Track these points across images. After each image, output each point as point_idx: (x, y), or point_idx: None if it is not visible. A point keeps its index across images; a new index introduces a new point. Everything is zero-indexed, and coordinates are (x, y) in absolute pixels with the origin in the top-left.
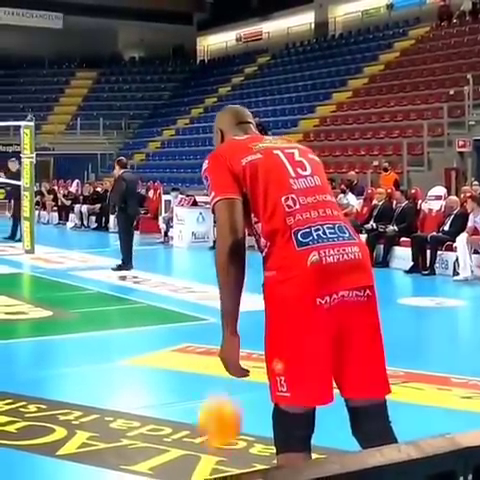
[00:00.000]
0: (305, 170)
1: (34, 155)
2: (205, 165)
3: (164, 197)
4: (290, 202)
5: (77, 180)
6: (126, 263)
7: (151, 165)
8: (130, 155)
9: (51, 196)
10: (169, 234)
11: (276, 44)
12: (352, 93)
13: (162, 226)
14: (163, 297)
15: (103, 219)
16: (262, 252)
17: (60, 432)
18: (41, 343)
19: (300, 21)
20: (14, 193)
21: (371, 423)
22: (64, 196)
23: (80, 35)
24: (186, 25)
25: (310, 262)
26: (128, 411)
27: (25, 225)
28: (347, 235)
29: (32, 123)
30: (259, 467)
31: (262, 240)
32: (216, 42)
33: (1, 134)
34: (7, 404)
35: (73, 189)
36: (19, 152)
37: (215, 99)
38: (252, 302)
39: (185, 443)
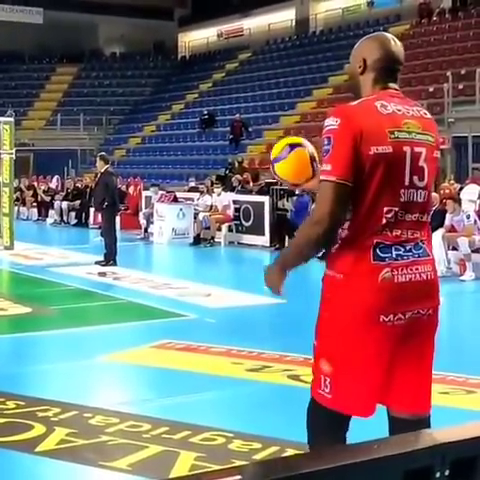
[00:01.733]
0: (421, 180)
1: (14, 151)
2: (333, 123)
3: (144, 193)
4: (391, 215)
5: (57, 176)
6: (111, 258)
7: (132, 161)
8: (110, 151)
9: (31, 192)
10: (149, 230)
11: (257, 40)
12: (333, 89)
13: (142, 222)
14: (143, 293)
15: (83, 215)
16: (333, 245)
17: (39, 429)
18: (20, 339)
19: (281, 18)
20: None
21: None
22: (44, 192)
23: (61, 30)
24: (167, 21)
25: (382, 278)
26: (107, 407)
27: (4, 221)
28: (422, 251)
29: (12, 119)
30: (238, 463)
31: (342, 233)
32: (197, 38)
33: None
34: None
35: (53, 185)
36: None
37: (196, 95)
38: (237, 298)
39: (164, 439)
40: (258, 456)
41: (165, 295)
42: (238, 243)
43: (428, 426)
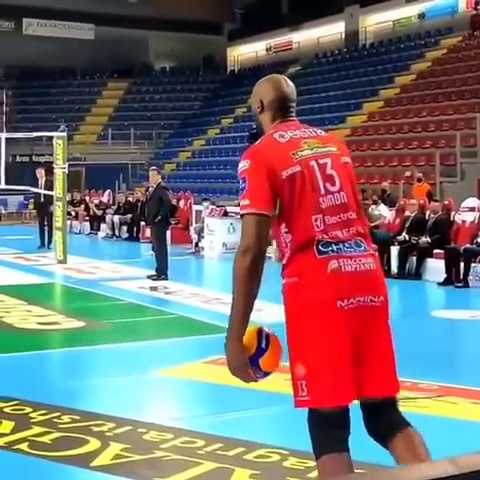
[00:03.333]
0: (334, 185)
1: (66, 165)
2: (244, 165)
3: (195, 207)
4: (318, 222)
5: (109, 190)
6: (162, 273)
7: (181, 175)
8: (161, 165)
9: (83, 206)
10: (200, 244)
11: (306, 54)
12: (383, 103)
13: (193, 236)
14: (194, 308)
15: (134, 229)
16: (282, 260)
17: (94, 443)
18: (74, 354)
19: (330, 31)
20: (43, 203)
21: (384, 418)
22: (96, 206)
23: (111, 46)
24: (216, 35)
25: (330, 269)
26: (161, 423)
27: (57, 235)
28: (362, 248)
29: (65, 134)
30: None
31: (287, 249)
32: (246, 52)
33: (34, 144)
34: (41, 415)
35: (105, 199)
36: (52, 162)
37: (245, 109)
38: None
39: (218, 456)
40: (313, 474)
41: (217, 310)
42: None
43: (397, 408)
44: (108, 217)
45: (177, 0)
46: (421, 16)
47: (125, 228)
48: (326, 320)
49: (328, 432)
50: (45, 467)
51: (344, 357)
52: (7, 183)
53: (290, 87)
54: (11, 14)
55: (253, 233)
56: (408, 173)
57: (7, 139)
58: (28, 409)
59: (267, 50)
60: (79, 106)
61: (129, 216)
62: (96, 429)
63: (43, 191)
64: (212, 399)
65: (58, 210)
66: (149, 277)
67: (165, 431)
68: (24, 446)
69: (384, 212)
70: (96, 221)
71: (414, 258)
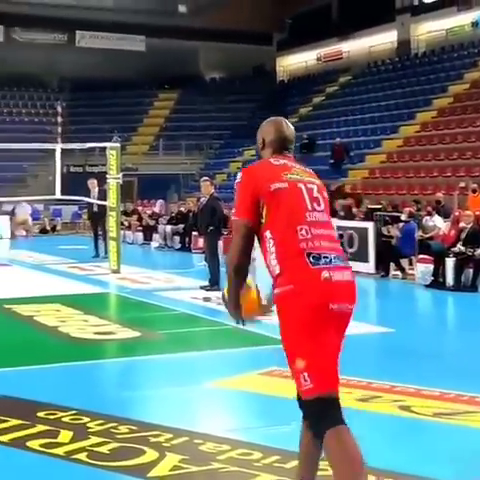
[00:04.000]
0: (319, 205)
1: (120, 175)
2: (238, 178)
3: None
4: (304, 232)
5: (161, 200)
6: (215, 283)
7: (232, 185)
8: (212, 175)
9: (136, 216)
10: (252, 255)
11: (357, 63)
12: (437, 112)
13: None
14: None
15: (187, 239)
16: (269, 267)
17: (151, 454)
18: (130, 364)
19: (382, 40)
20: (96, 213)
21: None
22: (148, 216)
23: (162, 57)
24: (266, 45)
25: (323, 278)
26: (216, 434)
27: (111, 245)
28: (342, 262)
29: (118, 144)
30: None
31: (273, 258)
32: (296, 62)
33: (88, 155)
34: (99, 424)
35: (157, 209)
36: (105, 173)
37: (296, 119)
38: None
39: (275, 468)
40: None
41: (270, 322)
42: None
43: None
44: (160, 227)
45: (227, 11)
46: (474, 24)
47: (177, 238)
48: (321, 320)
49: (328, 413)
50: (104, 477)
51: (336, 350)
52: (62, 193)
53: (290, 130)
54: (64, 27)
55: (239, 238)
56: (462, 184)
57: (62, 150)
58: (86, 419)
59: (317, 60)
60: (131, 117)
61: (181, 226)
62: (153, 440)
63: (96, 201)
64: (266, 411)
65: (112, 220)
66: (202, 288)
67: (221, 442)
68: (83, 456)
69: (439, 223)
70: (149, 231)
71: (471, 270)
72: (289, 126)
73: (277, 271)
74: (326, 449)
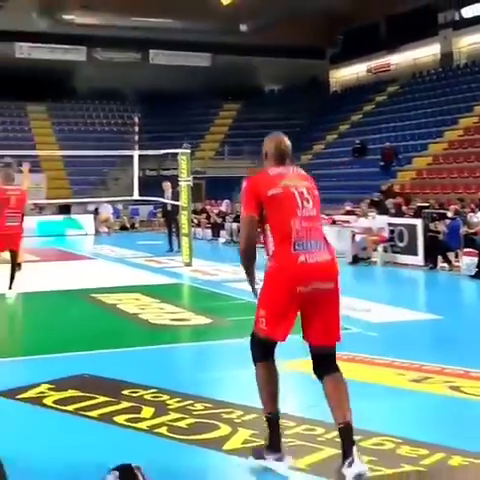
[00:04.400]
0: (309, 203)
1: (191, 178)
2: (244, 185)
3: None
4: (295, 224)
5: (227, 200)
6: None
7: None
8: None
9: (204, 215)
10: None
11: (404, 74)
12: (478, 118)
13: None
14: None
15: None
16: (268, 251)
17: (225, 429)
18: (203, 347)
19: (426, 52)
20: (170, 211)
21: (322, 361)
22: (216, 214)
23: (226, 71)
24: (319, 59)
25: (299, 261)
26: (283, 412)
27: (184, 241)
28: (319, 246)
29: (188, 150)
30: (407, 468)
31: (271, 244)
32: (347, 74)
33: (161, 160)
34: (177, 402)
35: (223, 208)
36: (177, 176)
37: (348, 126)
38: (396, 313)
39: (337, 443)
40: (426, 462)
41: None
42: (393, 263)
43: (334, 353)
44: (227, 224)
45: (284, 29)
46: None
47: None
48: (285, 291)
49: (264, 350)
50: (183, 449)
51: (289, 314)
52: (139, 195)
53: (287, 146)
54: (139, 46)
55: (247, 229)
56: None
57: (138, 156)
58: (165, 396)
59: (367, 71)
60: (199, 126)
61: None
62: (226, 416)
63: (170, 201)
64: None
65: (184, 218)
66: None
67: (288, 419)
68: (163, 430)
69: None
70: (216, 228)
71: None
72: (286, 142)
73: (271, 253)
74: (257, 374)
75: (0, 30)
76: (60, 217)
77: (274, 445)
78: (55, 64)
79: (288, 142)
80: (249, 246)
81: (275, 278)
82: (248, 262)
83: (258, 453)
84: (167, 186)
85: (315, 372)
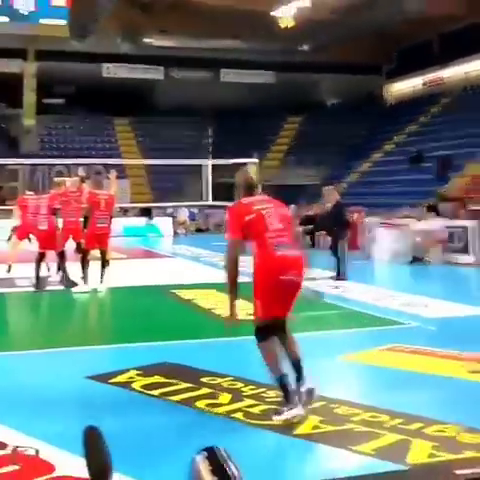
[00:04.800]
0: (276, 219)
1: (260, 186)
2: (228, 214)
3: (366, 220)
4: (270, 235)
5: (292, 206)
6: (342, 274)
7: (352, 193)
8: (334, 185)
9: None
10: (371, 251)
11: (456, 87)
12: None
13: (364, 245)
14: (369, 304)
15: (315, 238)
16: (253, 254)
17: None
18: None
19: (476, 67)
20: None
21: (285, 328)
22: None
23: (289, 87)
24: (376, 75)
25: (277, 255)
26: (349, 399)
27: None
28: (290, 248)
29: (256, 160)
30: (468, 454)
31: (256, 251)
32: (402, 88)
33: (232, 169)
34: (251, 389)
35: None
36: None
37: (405, 136)
38: (453, 309)
39: (400, 429)
40: None
41: (388, 306)
42: (450, 262)
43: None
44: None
45: (342, 47)
46: None
47: (308, 237)
48: (274, 281)
49: (265, 333)
50: (257, 433)
51: (279, 296)
52: (212, 200)
53: (253, 178)
54: (211, 66)
55: (232, 250)
56: None
57: (212, 165)
58: (240, 384)
59: (423, 85)
60: (265, 137)
61: (310, 227)
62: None
63: None
64: (390, 381)
65: None
66: (331, 278)
67: (353, 407)
68: (239, 415)
69: None
70: None
71: None
72: (252, 175)
73: (257, 257)
74: (261, 351)
75: (90, 52)
76: (142, 222)
77: (288, 400)
78: (137, 82)
79: (254, 176)
80: (233, 263)
81: (263, 272)
82: (232, 278)
83: (278, 413)
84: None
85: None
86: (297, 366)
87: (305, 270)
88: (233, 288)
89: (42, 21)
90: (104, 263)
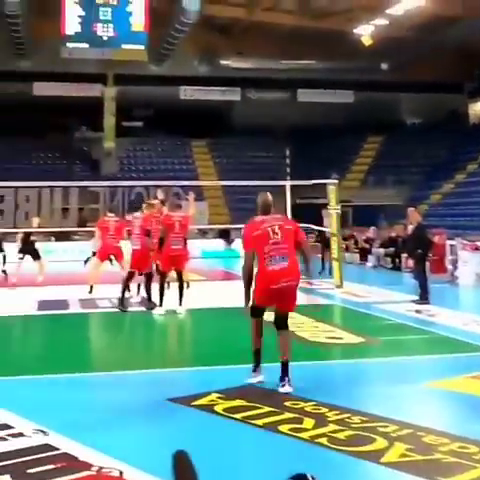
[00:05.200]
0: (277, 235)
1: (339, 207)
2: (242, 229)
3: (448, 242)
4: (267, 249)
5: (373, 227)
6: (424, 298)
7: (434, 214)
8: (415, 206)
9: (352, 240)
10: (455, 274)
11: None
12: None
13: (449, 267)
14: (455, 329)
15: (397, 260)
16: (257, 267)
17: (381, 442)
18: (356, 365)
19: None
20: (322, 238)
21: (281, 322)
22: (363, 240)
23: (368, 106)
24: (458, 93)
25: (269, 269)
26: (435, 428)
27: (335, 265)
28: (285, 259)
29: (336, 181)
30: None
31: (259, 263)
32: None
33: (311, 190)
34: (335, 414)
35: (370, 234)
36: (325, 204)
37: None
38: None
39: None
40: None
41: (475, 331)
42: None
43: (287, 317)
44: (374, 250)
45: (422, 66)
46: None
47: (389, 259)
48: (267, 287)
49: (256, 313)
50: (342, 459)
51: (267, 298)
52: None
53: (269, 200)
54: (287, 86)
55: (247, 261)
56: None
57: (291, 186)
58: (324, 409)
59: None
60: (345, 157)
61: (392, 249)
62: (382, 430)
63: (324, 228)
64: (478, 410)
65: (334, 243)
66: (413, 301)
67: (441, 436)
68: (324, 440)
69: None
70: (364, 253)
71: None
72: (269, 198)
73: (258, 267)
74: (251, 324)
75: (167, 76)
76: (221, 245)
77: (255, 369)
78: (213, 104)
79: (270, 198)
80: (248, 271)
81: (259, 281)
82: (247, 282)
83: (249, 376)
84: (326, 213)
85: (275, 326)
86: (282, 366)
87: (295, 276)
88: (247, 290)
89: (122, 46)
90: (181, 285)
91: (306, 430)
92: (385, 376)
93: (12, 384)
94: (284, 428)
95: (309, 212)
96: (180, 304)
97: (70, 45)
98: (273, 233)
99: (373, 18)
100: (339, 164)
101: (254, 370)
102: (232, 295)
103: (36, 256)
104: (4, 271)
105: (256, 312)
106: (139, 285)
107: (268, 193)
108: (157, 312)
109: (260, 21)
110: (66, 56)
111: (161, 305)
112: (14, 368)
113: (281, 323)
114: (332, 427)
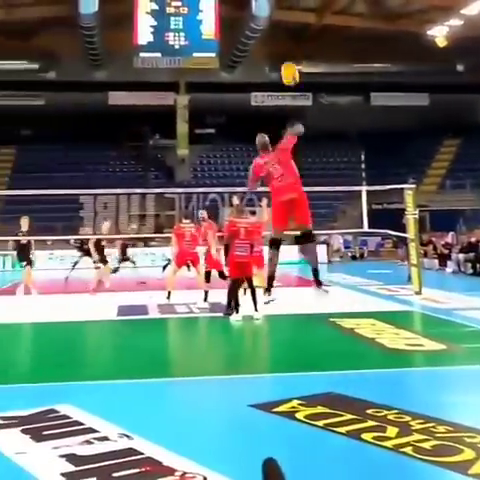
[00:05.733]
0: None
1: (417, 211)
2: (254, 161)
3: None
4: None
5: (452, 232)
6: None
7: None
8: None
9: (431, 246)
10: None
11: None
12: None
13: None
14: None
15: (478, 266)
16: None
17: (468, 453)
18: (438, 372)
19: None
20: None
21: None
22: (442, 246)
23: (444, 109)
24: None
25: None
26: None
27: (414, 270)
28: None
29: (413, 185)
30: None
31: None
32: None
33: (386, 195)
34: (419, 423)
35: (449, 239)
36: (401, 209)
37: None
38: None
39: None
40: None
41: None
42: None
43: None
44: (453, 255)
45: None
46: None
47: (469, 265)
48: (278, 202)
49: (275, 243)
50: (429, 470)
51: (283, 214)
52: (368, 227)
53: (265, 139)
54: (360, 90)
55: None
56: None
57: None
58: (407, 418)
59: None
60: (421, 161)
61: (472, 254)
62: (469, 440)
63: (401, 234)
64: None
65: (412, 249)
66: None
67: None
68: (409, 450)
69: None
70: (443, 258)
71: None
72: (266, 138)
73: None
74: (269, 255)
75: (238, 83)
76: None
77: (270, 290)
78: (284, 110)
79: (267, 138)
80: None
81: (273, 202)
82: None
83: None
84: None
85: (303, 241)
86: (314, 272)
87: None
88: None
89: (194, 54)
90: (253, 290)
91: (390, 439)
92: (469, 384)
93: (96, 388)
94: (367, 436)
95: (385, 217)
96: (256, 310)
97: (143, 55)
98: (274, 169)
99: (447, 19)
100: (415, 168)
101: (268, 290)
102: (308, 302)
103: (104, 261)
104: (67, 278)
105: (275, 242)
106: (206, 292)
107: (264, 134)
108: (234, 318)
109: (330, 25)
110: (139, 66)
111: (237, 312)
112: (100, 372)
113: (308, 237)
114: (416, 436)
